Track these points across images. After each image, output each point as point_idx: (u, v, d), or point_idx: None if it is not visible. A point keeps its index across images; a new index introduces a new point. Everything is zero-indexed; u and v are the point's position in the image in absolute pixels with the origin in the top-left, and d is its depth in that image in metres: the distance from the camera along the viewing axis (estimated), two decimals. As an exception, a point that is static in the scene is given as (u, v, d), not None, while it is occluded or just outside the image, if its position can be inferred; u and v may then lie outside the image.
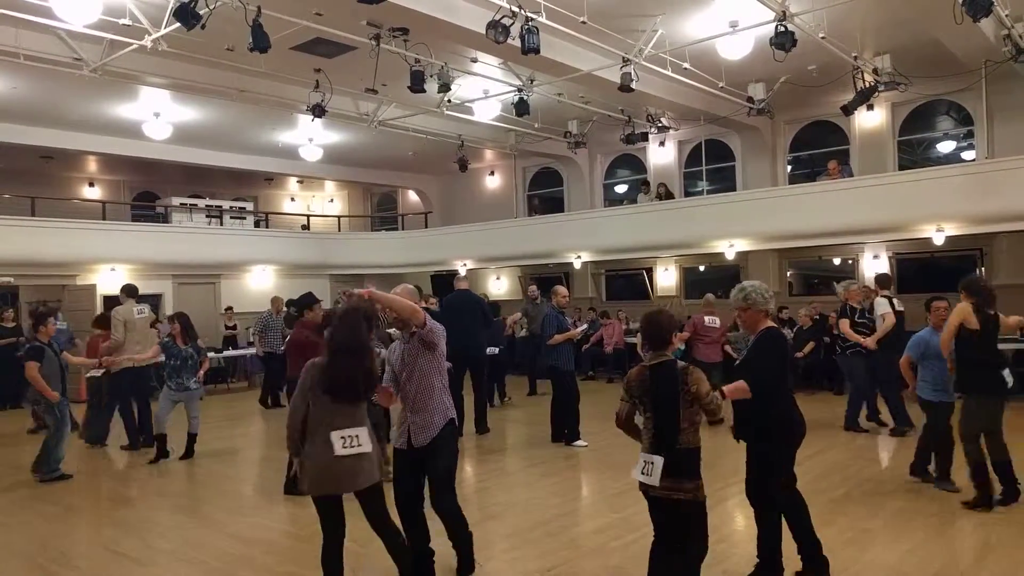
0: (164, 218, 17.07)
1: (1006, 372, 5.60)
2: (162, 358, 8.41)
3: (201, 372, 8.24)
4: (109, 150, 14.85)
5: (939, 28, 9.01)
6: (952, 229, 11.20)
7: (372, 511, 3.92)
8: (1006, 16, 8.76)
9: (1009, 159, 10.95)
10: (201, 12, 7.37)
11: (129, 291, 9.26)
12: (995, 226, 11.03)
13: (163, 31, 8.29)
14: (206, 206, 17.45)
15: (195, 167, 16.85)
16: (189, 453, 8.10)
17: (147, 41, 8.51)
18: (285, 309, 12.32)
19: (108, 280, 14.22)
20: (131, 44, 8.77)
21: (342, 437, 3.75)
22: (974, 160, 12.53)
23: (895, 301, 8.49)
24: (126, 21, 8.21)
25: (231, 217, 17.62)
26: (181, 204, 16.92)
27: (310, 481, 3.79)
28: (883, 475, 6.84)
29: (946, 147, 13.67)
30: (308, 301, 7.13)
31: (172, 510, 6.39)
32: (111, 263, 14.63)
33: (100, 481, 7.42)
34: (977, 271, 12.40)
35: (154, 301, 15.74)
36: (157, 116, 13.02)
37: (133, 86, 11.31)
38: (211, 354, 14.29)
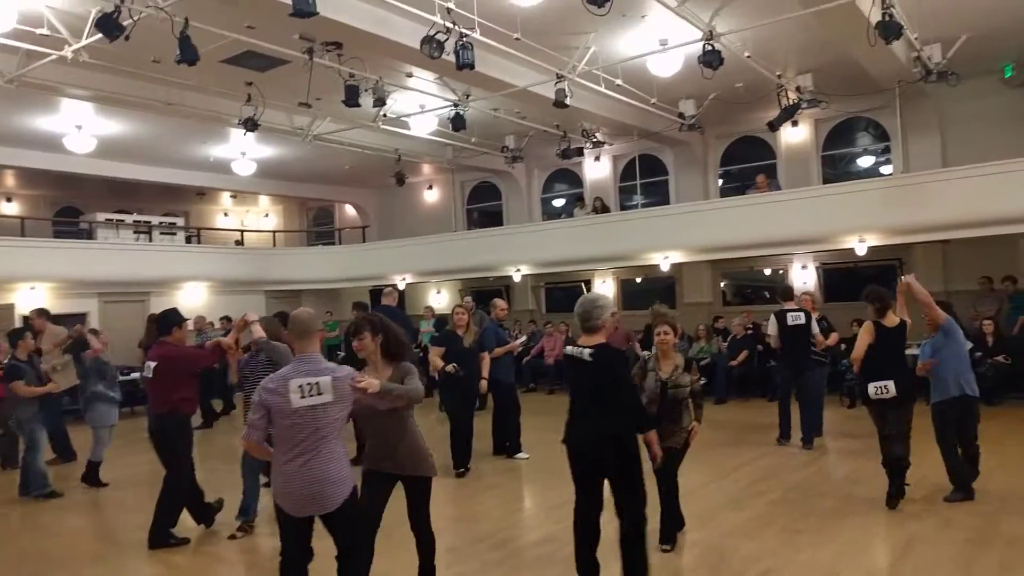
0: (88, 234, 16.41)
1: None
2: None
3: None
4: (27, 164, 14.24)
5: (856, 49, 9.45)
6: (873, 240, 11.69)
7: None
8: (915, 39, 9.25)
9: (923, 173, 11.54)
10: (125, 23, 7.16)
11: (48, 315, 9.02)
12: (912, 237, 11.55)
13: (84, 42, 7.99)
14: (134, 221, 16.85)
15: (121, 182, 16.29)
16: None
17: (67, 52, 8.20)
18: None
19: (27, 299, 13.58)
20: (50, 55, 8.44)
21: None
22: (891, 174, 13.15)
23: (790, 316, 8.28)
24: (44, 31, 7.91)
25: (161, 233, 17.07)
26: (106, 220, 16.29)
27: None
28: (814, 478, 7.06)
29: (866, 162, 14.31)
30: (175, 319, 5.96)
31: (96, 538, 6.12)
32: (31, 281, 13.97)
33: (14, 510, 7.04)
34: (898, 280, 12.99)
35: (78, 321, 15.12)
36: (79, 129, 12.54)
37: (53, 98, 10.87)
38: (136, 375, 13.83)
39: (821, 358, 8.61)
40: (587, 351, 4.22)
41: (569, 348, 4.39)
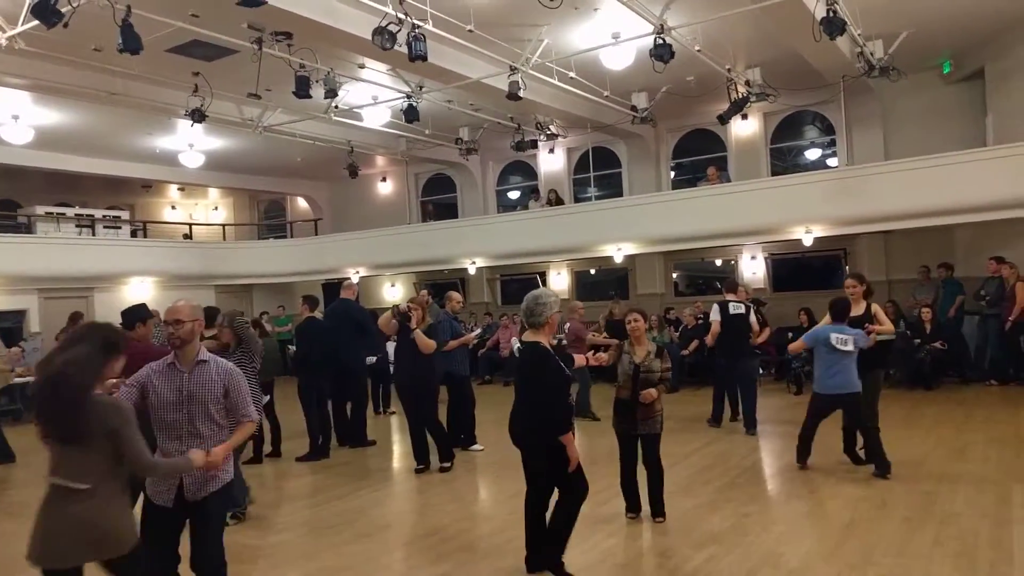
0: (27, 228, 15.85)
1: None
2: None
3: None
4: (-40, 155, 13.68)
5: (802, 44, 9.67)
6: (819, 231, 12.02)
7: None
8: (859, 35, 9.51)
9: (866, 166, 11.89)
10: (63, 10, 6.92)
11: None
12: (856, 227, 11.91)
13: (20, 28, 7.71)
14: (76, 215, 16.33)
15: (62, 174, 15.78)
16: None
17: (1, 39, 7.90)
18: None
19: (-38, 296, 13.09)
20: (-17, 41, 8.11)
21: None
22: (837, 167, 13.51)
23: (731, 306, 8.59)
24: (-23, 16, 7.62)
25: (104, 227, 16.54)
26: (47, 213, 15.76)
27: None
28: (760, 464, 7.26)
29: (813, 155, 14.68)
30: (140, 314, 5.53)
31: None
32: (-34, 278, 13.48)
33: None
34: (844, 269, 13.38)
35: (17, 319, 14.62)
36: (16, 119, 12.11)
37: (-13, 86, 10.49)
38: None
39: (755, 349, 9.07)
40: (518, 346, 4.52)
41: (513, 340, 4.69)
